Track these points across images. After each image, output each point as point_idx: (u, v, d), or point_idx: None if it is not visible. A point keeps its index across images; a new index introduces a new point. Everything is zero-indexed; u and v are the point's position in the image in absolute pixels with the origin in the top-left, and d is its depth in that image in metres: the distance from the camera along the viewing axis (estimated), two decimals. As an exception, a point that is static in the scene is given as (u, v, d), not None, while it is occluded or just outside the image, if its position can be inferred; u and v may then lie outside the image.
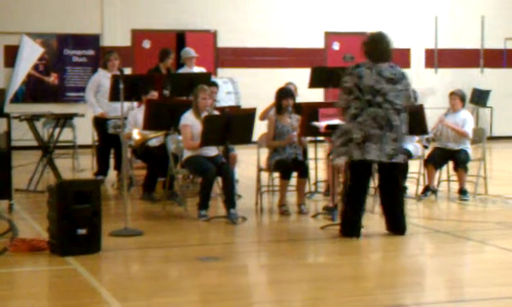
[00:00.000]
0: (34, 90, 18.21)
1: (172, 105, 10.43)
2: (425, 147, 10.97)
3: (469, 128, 10.89)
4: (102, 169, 12.34)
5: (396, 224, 8.42)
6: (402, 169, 8.62)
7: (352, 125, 8.19)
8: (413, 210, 10.14)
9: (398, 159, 8.29)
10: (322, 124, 9.25)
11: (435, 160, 10.87)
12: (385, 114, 8.18)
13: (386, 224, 8.47)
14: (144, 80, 11.62)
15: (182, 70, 13.26)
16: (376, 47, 8.35)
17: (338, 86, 8.50)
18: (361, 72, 8.20)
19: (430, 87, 19.28)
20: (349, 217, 8.32)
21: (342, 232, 8.35)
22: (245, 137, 9.49)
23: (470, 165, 10.96)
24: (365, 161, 8.21)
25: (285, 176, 9.79)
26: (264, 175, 10.41)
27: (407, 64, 19.58)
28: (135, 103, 11.35)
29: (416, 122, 10.42)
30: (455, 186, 11.10)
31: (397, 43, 21.69)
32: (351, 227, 8.29)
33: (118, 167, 11.98)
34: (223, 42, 19.34)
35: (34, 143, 11.99)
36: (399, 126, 8.24)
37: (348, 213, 8.33)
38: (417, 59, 20.56)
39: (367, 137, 8.15)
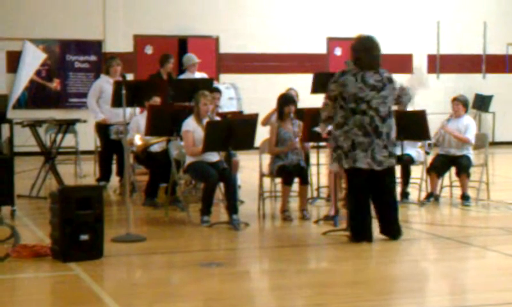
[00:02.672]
0: (36, 96, 18.20)
1: (174, 111, 10.46)
2: (427, 153, 10.96)
3: (471, 135, 10.85)
4: (104, 175, 12.34)
5: (389, 228, 8.43)
6: (394, 174, 8.61)
7: (339, 134, 8.24)
8: (415, 216, 10.14)
9: (389, 164, 8.31)
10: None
11: (438, 168, 10.85)
12: (370, 121, 8.20)
13: (380, 228, 8.48)
14: (146, 86, 11.63)
15: (184, 76, 13.25)
16: (366, 55, 8.34)
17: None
18: (346, 80, 8.23)
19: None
20: (356, 222, 8.33)
21: (352, 238, 8.36)
22: (247, 143, 9.48)
23: (472, 170, 10.95)
24: (356, 169, 8.23)
25: (287, 182, 9.78)
26: (266, 181, 10.40)
27: (409, 70, 19.57)
28: (137, 109, 11.34)
29: (419, 127, 10.45)
30: (457, 191, 11.08)
31: (399, 48, 21.56)
32: (360, 232, 8.30)
33: (120, 172, 11.97)
34: (225, 48, 19.33)
35: (37, 149, 11.99)
36: (386, 133, 8.27)
37: (355, 219, 8.34)
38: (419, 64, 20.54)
39: (354, 146, 8.18)
